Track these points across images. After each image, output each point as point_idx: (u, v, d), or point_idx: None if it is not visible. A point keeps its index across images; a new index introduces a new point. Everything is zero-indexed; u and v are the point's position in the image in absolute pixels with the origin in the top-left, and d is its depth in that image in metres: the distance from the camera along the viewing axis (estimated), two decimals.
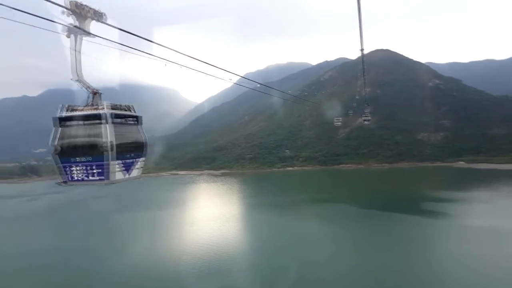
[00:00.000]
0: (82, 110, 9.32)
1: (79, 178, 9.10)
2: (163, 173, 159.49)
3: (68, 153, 9.14)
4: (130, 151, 9.84)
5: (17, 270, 42.46)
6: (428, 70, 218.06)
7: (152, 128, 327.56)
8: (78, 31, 8.73)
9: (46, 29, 8.17)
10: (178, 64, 13.94)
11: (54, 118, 9.43)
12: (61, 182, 9.45)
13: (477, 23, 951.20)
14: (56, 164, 9.40)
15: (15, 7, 7.60)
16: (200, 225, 60.31)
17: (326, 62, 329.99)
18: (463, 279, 33.54)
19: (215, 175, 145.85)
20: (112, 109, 9.37)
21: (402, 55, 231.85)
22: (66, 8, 7.98)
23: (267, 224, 60.38)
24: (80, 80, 9.29)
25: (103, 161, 8.81)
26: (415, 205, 68.40)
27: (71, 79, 9.50)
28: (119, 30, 9.74)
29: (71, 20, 8.36)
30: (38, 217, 77.66)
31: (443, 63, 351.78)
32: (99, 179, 8.99)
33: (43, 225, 68.94)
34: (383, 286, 33.81)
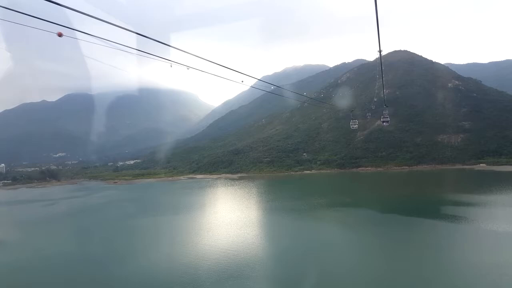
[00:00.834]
0: None
1: None
2: (181, 177, 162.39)
3: None
4: None
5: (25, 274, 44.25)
6: (447, 71, 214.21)
7: (170, 132, 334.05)
8: None
9: (65, 35, 8.76)
10: (190, 67, 14.77)
11: None
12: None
13: (496, 24, 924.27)
14: None
15: (32, 14, 8.35)
16: (217, 230, 60.77)
17: (344, 64, 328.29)
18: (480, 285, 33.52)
19: (233, 179, 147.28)
20: None
21: (420, 56, 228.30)
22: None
23: (285, 230, 60.79)
24: None
25: None
26: (436, 210, 67.65)
27: None
28: (136, 35, 10.18)
29: None
30: (55, 221, 79.87)
31: (463, 63, 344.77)
32: None
33: (60, 230, 71.22)
34: None
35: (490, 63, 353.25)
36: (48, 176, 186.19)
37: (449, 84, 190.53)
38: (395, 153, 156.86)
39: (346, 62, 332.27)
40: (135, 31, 10.13)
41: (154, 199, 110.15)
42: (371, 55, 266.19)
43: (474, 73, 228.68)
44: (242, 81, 19.13)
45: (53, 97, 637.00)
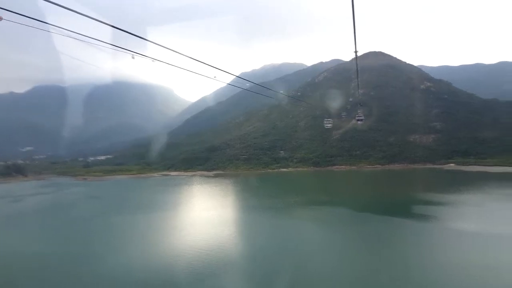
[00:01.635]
0: None
1: None
2: (154, 174, 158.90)
3: None
4: None
5: None
6: (419, 72, 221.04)
7: (144, 127, 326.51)
8: None
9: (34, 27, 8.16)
10: (155, 59, 14.48)
11: None
12: None
13: (467, 28, 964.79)
14: None
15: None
16: (191, 229, 59.54)
17: (321, 63, 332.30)
18: (450, 284, 34.38)
19: (208, 176, 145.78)
20: None
21: (395, 58, 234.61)
22: None
23: (261, 228, 60.34)
24: None
25: None
26: (407, 208, 69.29)
27: None
28: (112, 28, 9.91)
29: None
30: (18, 219, 75.34)
31: (434, 66, 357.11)
32: None
33: (23, 228, 67.37)
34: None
35: (460, 66, 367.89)
36: (14, 171, 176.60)
37: (422, 86, 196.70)
38: (369, 152, 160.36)
39: (323, 61, 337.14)
40: (109, 23, 9.77)
41: (125, 197, 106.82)
42: (348, 56, 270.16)
43: (445, 75, 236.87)
44: (215, 77, 18.58)
45: (21, 89, 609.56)
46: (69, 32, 10.03)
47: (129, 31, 10.44)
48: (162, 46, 12.42)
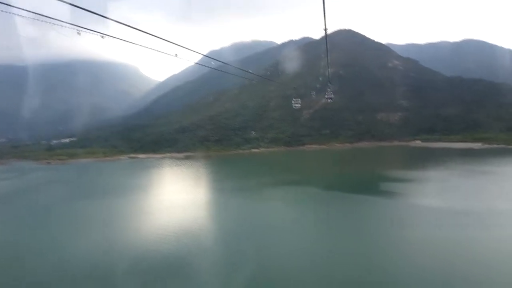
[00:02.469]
0: None
1: None
2: (121, 157, 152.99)
3: None
4: None
5: None
6: (387, 51, 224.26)
7: (109, 108, 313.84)
8: None
9: None
10: (105, 34, 13.56)
11: None
12: None
13: (434, 4, 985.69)
14: None
15: None
16: (159, 214, 57.48)
17: (291, 41, 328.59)
18: (419, 260, 34.85)
19: (178, 158, 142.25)
20: None
21: (364, 36, 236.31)
22: None
23: (232, 210, 59.39)
24: None
25: None
26: (374, 186, 70.61)
27: None
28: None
29: None
30: None
31: (402, 44, 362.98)
32: None
33: None
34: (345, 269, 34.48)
35: (426, 44, 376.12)
36: None
37: (389, 64, 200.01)
38: (338, 131, 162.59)
39: (294, 39, 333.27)
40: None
41: (92, 181, 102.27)
42: (317, 33, 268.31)
43: (412, 53, 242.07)
44: (176, 55, 17.24)
45: None
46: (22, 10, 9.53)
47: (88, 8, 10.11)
48: (119, 22, 11.99)
